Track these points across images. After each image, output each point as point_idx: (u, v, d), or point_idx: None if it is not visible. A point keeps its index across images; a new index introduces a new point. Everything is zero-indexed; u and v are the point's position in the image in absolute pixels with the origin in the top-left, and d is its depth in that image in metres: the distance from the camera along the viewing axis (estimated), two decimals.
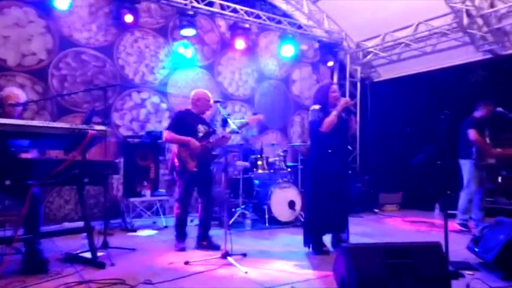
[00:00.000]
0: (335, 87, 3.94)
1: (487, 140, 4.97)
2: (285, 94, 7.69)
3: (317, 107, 3.81)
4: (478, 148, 4.87)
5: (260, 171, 5.58)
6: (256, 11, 6.84)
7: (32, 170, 2.88)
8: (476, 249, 3.32)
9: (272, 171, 5.63)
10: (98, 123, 3.26)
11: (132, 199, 5.27)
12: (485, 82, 6.34)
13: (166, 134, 3.93)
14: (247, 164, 5.63)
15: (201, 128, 4.01)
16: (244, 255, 3.66)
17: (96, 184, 3.86)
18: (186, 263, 3.36)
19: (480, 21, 5.98)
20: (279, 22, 7.14)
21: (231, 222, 5.21)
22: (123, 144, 5.63)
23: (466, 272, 3.04)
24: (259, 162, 5.60)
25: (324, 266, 3.29)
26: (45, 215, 5.04)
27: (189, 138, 3.84)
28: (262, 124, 7.04)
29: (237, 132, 4.07)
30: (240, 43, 6.73)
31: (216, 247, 3.85)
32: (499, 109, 4.65)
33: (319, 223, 3.78)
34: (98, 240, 3.60)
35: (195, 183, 4.01)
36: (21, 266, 3.04)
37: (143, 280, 2.87)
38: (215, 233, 4.19)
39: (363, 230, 4.99)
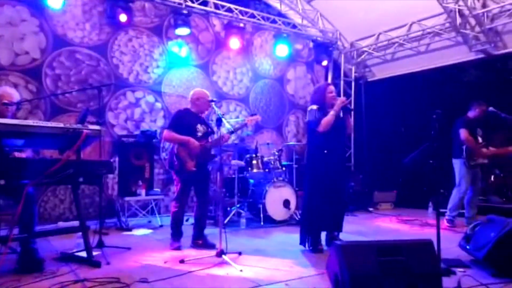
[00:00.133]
0: (332, 87, 3.97)
1: (480, 139, 5.03)
2: (279, 93, 7.71)
3: (314, 107, 3.83)
4: (467, 147, 4.94)
5: (255, 170, 5.59)
6: (250, 11, 6.86)
7: (26, 170, 2.87)
8: (468, 247, 3.37)
9: (267, 170, 5.65)
10: (92, 123, 3.27)
11: (127, 198, 5.27)
12: (478, 82, 6.41)
13: (166, 134, 3.94)
14: (242, 163, 5.64)
15: (200, 127, 4.02)
16: (239, 253, 3.68)
17: (91, 183, 3.88)
18: (182, 261, 3.38)
19: (472, 21, 6.04)
20: (273, 21, 7.15)
21: (226, 221, 5.24)
22: (118, 144, 5.63)
23: (458, 269, 3.08)
24: (254, 161, 5.62)
25: (319, 264, 3.31)
26: (40, 214, 5.03)
27: (188, 138, 3.85)
28: (257, 123, 7.05)
29: (233, 132, 4.09)
30: (234, 42, 6.73)
31: (211, 246, 3.85)
32: (491, 108, 4.70)
33: (317, 222, 3.81)
34: (93, 239, 3.60)
35: (193, 182, 4.02)
36: (16, 265, 3.03)
37: (138, 278, 2.88)
38: (210, 232, 4.20)
39: (357, 229, 5.03)
